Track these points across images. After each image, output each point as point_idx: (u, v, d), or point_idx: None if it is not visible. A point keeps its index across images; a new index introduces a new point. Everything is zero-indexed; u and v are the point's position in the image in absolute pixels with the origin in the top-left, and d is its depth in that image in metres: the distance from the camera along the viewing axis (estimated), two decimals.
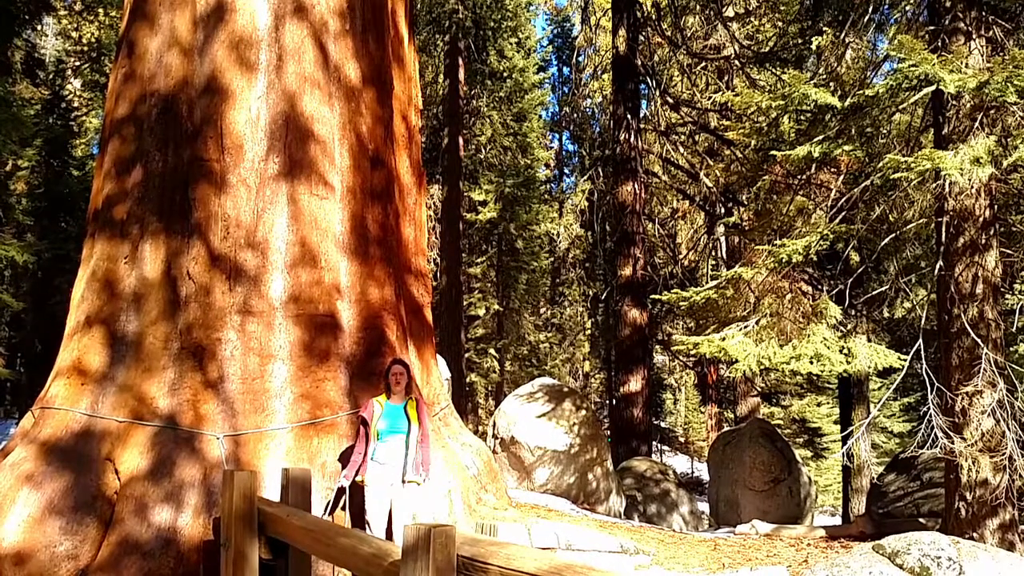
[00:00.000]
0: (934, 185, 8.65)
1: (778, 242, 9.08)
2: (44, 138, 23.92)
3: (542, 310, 35.14)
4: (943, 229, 8.88)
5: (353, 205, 7.54)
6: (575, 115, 36.62)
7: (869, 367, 8.90)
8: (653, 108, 21.74)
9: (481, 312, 29.23)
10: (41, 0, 16.85)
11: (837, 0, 10.28)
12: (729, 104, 14.39)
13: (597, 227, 30.05)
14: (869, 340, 10.31)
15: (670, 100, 20.58)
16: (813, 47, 10.02)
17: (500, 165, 28.80)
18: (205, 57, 7.26)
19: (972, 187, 8.49)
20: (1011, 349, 10.58)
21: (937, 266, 8.95)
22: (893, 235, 9.80)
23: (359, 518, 6.32)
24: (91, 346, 6.93)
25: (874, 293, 12.50)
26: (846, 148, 8.76)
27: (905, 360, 8.84)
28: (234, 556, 5.29)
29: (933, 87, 8.18)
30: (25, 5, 15.93)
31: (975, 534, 8.41)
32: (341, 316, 7.17)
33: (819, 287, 10.56)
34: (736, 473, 14.63)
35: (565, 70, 39.83)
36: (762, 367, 9.11)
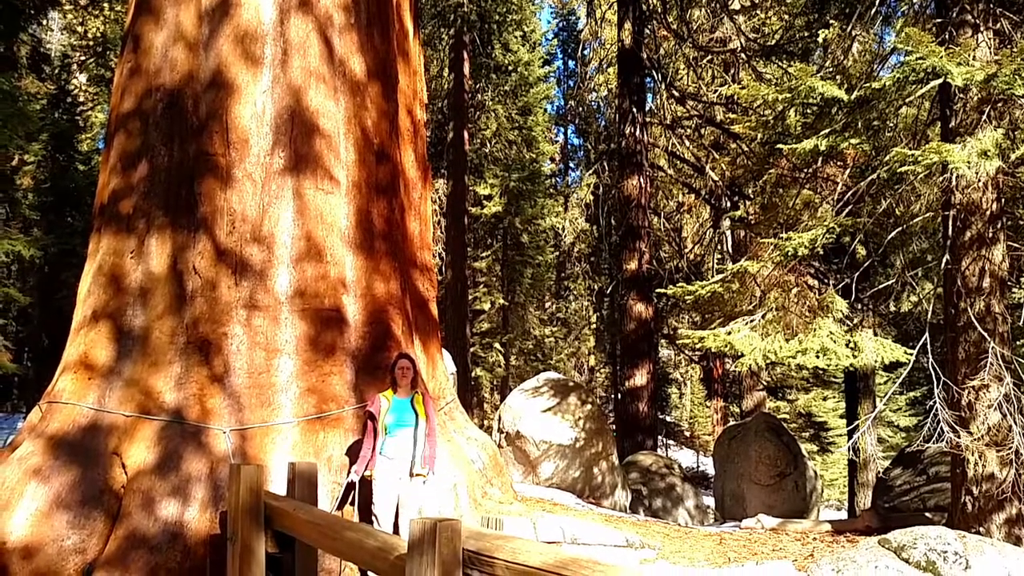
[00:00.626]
0: (941, 179, 8.62)
1: (784, 236, 9.06)
2: (50, 133, 23.97)
3: (547, 304, 35.16)
4: (950, 223, 8.85)
5: (358, 199, 7.54)
6: (580, 109, 36.56)
7: (875, 361, 8.88)
8: (659, 101, 21.68)
9: (486, 306, 29.23)
10: None
11: None
12: (735, 97, 14.34)
13: (602, 221, 30.02)
14: (875, 334, 10.30)
15: (676, 93, 20.52)
16: (820, 40, 9.98)
17: (505, 159, 28.77)
18: (210, 51, 7.27)
19: (979, 180, 8.45)
20: (1018, 343, 10.55)
21: (944, 260, 8.93)
22: (900, 229, 9.77)
23: (366, 512, 6.34)
24: (98, 340, 6.96)
25: (880, 287, 12.46)
26: (852, 141, 8.73)
27: (911, 354, 8.82)
28: (241, 550, 5.31)
29: (940, 80, 8.14)
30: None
31: (981, 528, 8.40)
32: (347, 310, 7.18)
33: (825, 281, 10.54)
34: (742, 467, 14.63)
35: (570, 64, 39.79)
36: (768, 361, 9.10)
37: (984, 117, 8.48)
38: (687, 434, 39.72)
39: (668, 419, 39.78)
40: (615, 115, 23.95)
